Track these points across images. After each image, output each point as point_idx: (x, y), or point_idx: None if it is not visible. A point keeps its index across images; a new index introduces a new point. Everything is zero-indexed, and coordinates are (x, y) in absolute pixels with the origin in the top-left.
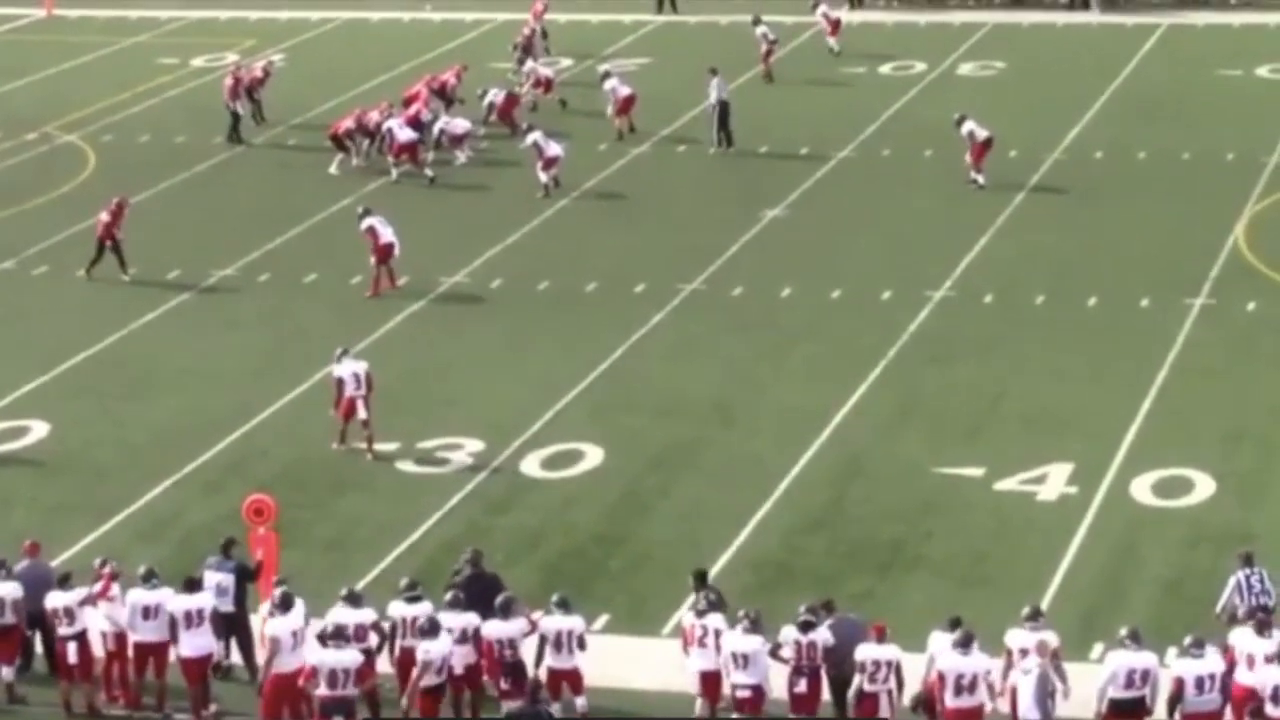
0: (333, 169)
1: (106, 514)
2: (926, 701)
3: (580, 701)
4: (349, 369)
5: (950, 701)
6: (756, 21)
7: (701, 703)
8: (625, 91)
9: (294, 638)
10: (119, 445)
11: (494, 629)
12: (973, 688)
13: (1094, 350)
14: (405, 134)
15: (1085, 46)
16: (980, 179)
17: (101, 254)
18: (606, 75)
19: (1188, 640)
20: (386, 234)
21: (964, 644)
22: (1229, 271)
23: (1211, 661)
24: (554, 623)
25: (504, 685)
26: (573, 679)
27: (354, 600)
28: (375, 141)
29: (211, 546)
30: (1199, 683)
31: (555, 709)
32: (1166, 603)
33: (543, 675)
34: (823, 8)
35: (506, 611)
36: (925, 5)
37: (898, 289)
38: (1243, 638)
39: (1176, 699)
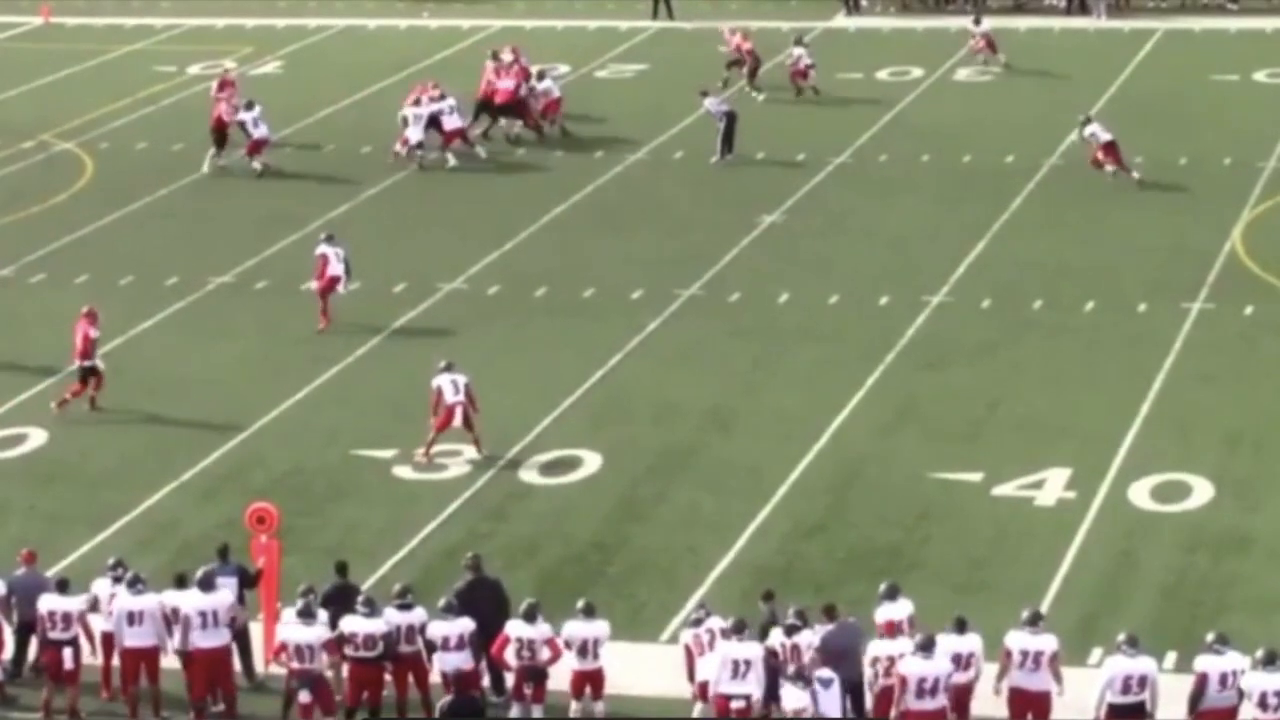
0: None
1: (104, 522)
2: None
3: (599, 706)
4: (448, 378)
5: (912, 704)
6: (798, 41)
7: (701, 706)
8: (556, 94)
9: (202, 618)
10: (116, 453)
11: (517, 630)
12: (934, 691)
13: (1092, 355)
14: (453, 121)
15: (1082, 52)
16: (1135, 174)
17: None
18: (541, 75)
19: (1210, 637)
20: (336, 268)
21: (926, 648)
22: (1226, 276)
23: (1233, 658)
24: (579, 629)
25: (526, 690)
26: (595, 680)
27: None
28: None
29: (209, 554)
30: (1222, 679)
31: (599, 708)
32: (1165, 608)
33: (567, 676)
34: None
35: (532, 615)
36: (922, 11)
37: (895, 294)
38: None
39: (1199, 694)
